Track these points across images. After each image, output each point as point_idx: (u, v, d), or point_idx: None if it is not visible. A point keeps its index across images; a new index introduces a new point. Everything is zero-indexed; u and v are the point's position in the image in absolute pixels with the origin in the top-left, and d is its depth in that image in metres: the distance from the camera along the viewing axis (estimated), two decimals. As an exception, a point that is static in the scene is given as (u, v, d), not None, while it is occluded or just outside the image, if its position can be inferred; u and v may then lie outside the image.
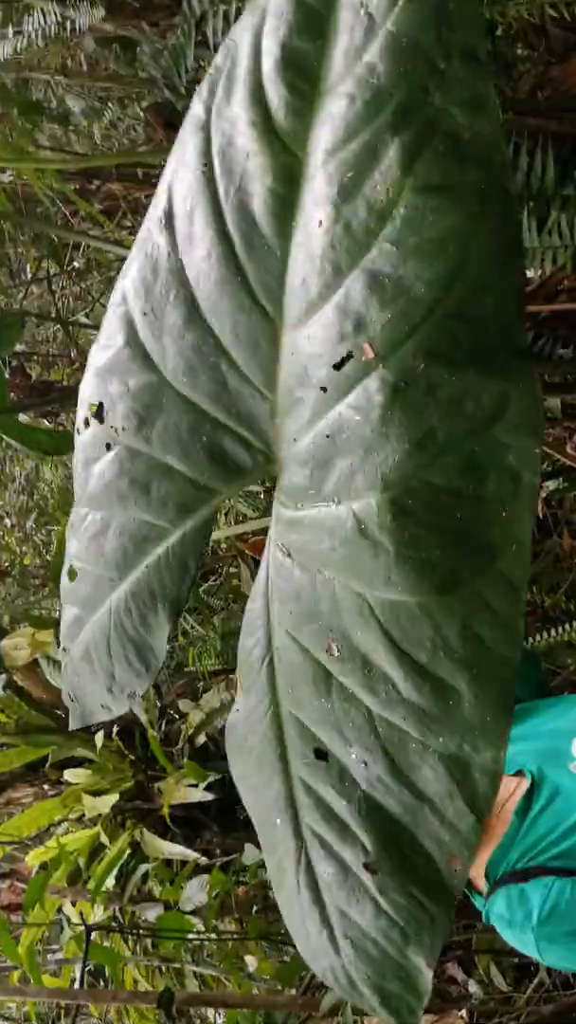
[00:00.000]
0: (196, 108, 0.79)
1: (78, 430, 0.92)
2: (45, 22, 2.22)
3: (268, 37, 0.73)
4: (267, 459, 0.82)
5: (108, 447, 0.89)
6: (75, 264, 2.90)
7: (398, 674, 0.70)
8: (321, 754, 0.76)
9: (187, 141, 0.80)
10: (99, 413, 0.90)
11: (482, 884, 1.34)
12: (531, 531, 0.68)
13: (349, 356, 0.70)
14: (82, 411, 0.92)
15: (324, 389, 0.72)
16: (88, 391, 0.91)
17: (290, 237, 0.74)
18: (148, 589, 0.87)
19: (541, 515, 2.43)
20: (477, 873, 1.35)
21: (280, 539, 0.78)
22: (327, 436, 0.72)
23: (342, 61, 0.69)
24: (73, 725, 0.98)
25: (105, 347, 0.89)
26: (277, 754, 0.80)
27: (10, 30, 2.12)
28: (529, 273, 1.62)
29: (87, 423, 0.91)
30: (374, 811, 0.74)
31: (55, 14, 2.18)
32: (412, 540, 0.68)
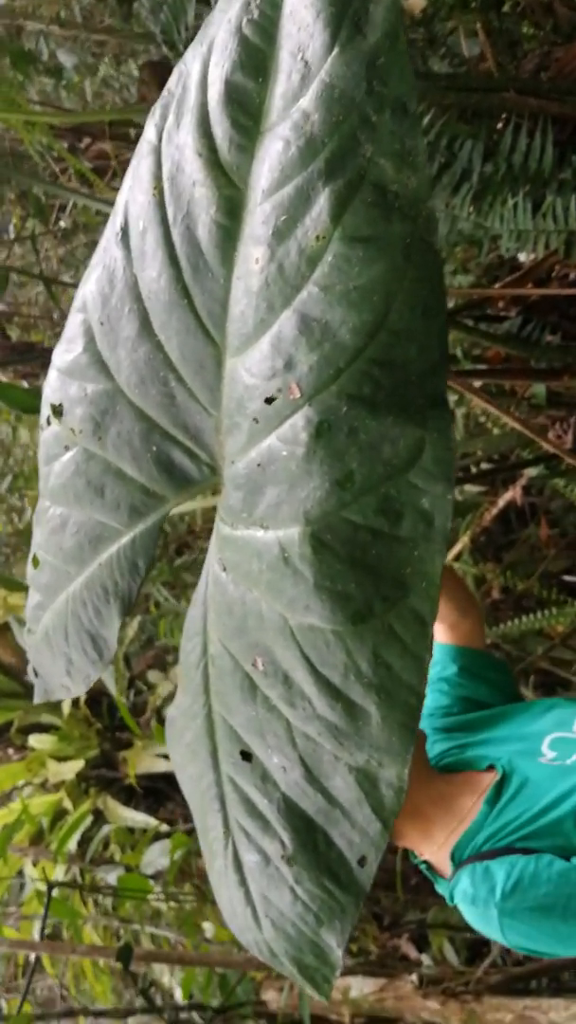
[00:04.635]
0: (149, 130, 0.81)
1: (41, 427, 0.96)
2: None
3: (214, 69, 0.74)
4: (213, 472, 0.86)
5: (67, 447, 0.93)
6: (61, 224, 2.86)
7: (314, 692, 0.75)
8: (246, 756, 0.82)
9: (140, 162, 0.82)
10: (59, 413, 0.93)
11: (447, 868, 1.37)
12: (441, 569, 0.72)
13: (279, 392, 0.73)
14: (45, 409, 0.95)
15: (256, 420, 0.75)
16: (49, 391, 0.94)
17: (232, 267, 0.76)
18: (101, 585, 0.92)
19: (520, 503, 2.44)
20: (442, 858, 1.38)
21: (218, 553, 0.82)
22: (258, 465, 0.76)
23: (281, 103, 0.70)
24: (37, 699, 1.05)
25: (66, 350, 0.93)
26: (208, 751, 0.86)
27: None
28: (522, 257, 1.60)
29: (48, 421, 0.95)
30: (292, 811, 0.80)
31: (51, -37, 2.12)
32: (329, 572, 0.72)
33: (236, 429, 0.79)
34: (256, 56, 0.72)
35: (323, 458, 0.71)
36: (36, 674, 1.04)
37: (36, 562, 1.00)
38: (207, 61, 0.75)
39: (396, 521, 0.70)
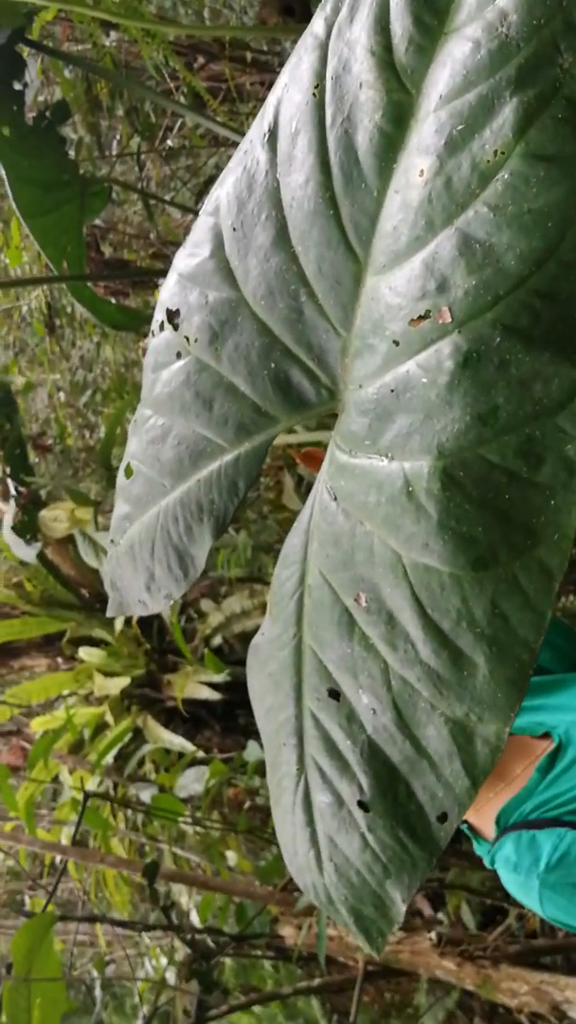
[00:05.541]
0: (317, 24, 0.76)
1: (152, 332, 0.93)
2: None
3: (402, -39, 0.69)
4: (332, 396, 0.82)
5: (179, 355, 0.90)
6: (169, 143, 2.78)
7: (420, 636, 0.71)
8: (334, 694, 0.79)
9: (302, 58, 0.77)
10: (174, 319, 0.90)
11: (490, 831, 1.35)
12: (577, 523, 0.67)
13: (427, 315, 0.68)
14: (159, 314, 0.92)
15: (397, 343, 0.71)
16: (167, 295, 0.91)
17: (389, 180, 0.71)
18: (197, 502, 0.89)
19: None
20: (486, 821, 1.36)
21: (330, 481, 0.79)
22: (391, 390, 0.72)
23: (474, 1, 0.65)
24: (111, 613, 1.02)
25: (191, 254, 0.89)
26: (292, 683, 0.83)
27: None
28: None
29: (162, 326, 0.91)
30: (376, 756, 0.77)
31: None
32: (456, 512, 0.68)
33: (369, 351, 0.75)
34: (453, -51, 0.66)
35: (467, 389, 0.67)
36: (114, 587, 1.01)
37: (129, 471, 0.97)
38: (394, -49, 0.70)
39: (536, 465, 0.66)
